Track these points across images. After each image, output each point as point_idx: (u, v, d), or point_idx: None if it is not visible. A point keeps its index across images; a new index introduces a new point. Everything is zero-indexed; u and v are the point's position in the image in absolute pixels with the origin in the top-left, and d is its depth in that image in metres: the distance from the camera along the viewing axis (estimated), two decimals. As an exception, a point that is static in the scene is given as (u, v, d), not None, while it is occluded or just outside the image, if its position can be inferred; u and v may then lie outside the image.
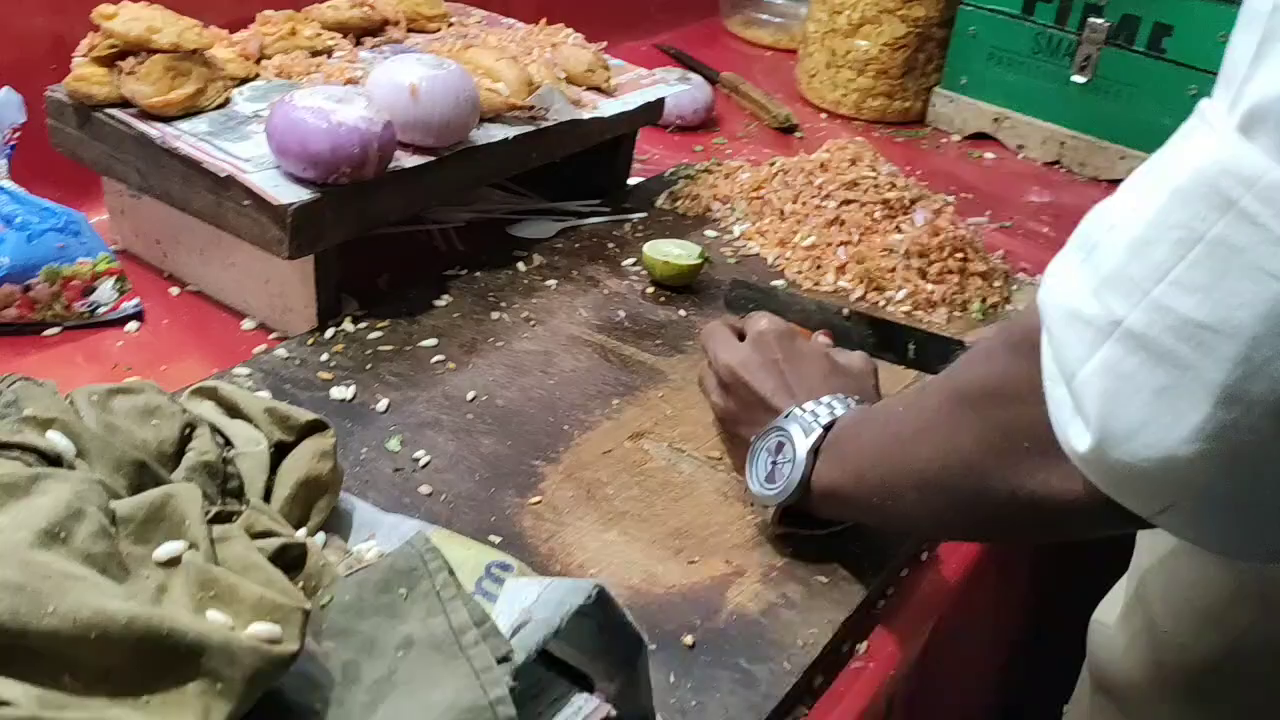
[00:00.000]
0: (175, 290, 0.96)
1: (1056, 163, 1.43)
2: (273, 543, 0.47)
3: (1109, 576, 0.75)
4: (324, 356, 0.85)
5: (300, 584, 0.48)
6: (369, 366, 0.85)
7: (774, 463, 0.70)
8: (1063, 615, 0.98)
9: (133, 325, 0.90)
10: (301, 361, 0.84)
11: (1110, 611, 0.70)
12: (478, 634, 0.47)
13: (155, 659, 0.39)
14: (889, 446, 0.61)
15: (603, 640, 0.52)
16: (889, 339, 0.91)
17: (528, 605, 0.49)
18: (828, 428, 0.68)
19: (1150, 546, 0.66)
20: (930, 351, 0.90)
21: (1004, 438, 0.51)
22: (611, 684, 0.53)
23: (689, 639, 0.65)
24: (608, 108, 1.06)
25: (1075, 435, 0.43)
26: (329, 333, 0.88)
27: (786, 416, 0.70)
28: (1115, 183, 1.40)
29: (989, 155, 1.45)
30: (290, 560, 0.48)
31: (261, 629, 0.42)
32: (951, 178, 1.35)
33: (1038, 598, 0.95)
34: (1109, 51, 1.34)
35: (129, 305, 0.91)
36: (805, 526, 0.71)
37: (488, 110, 0.96)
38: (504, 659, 0.46)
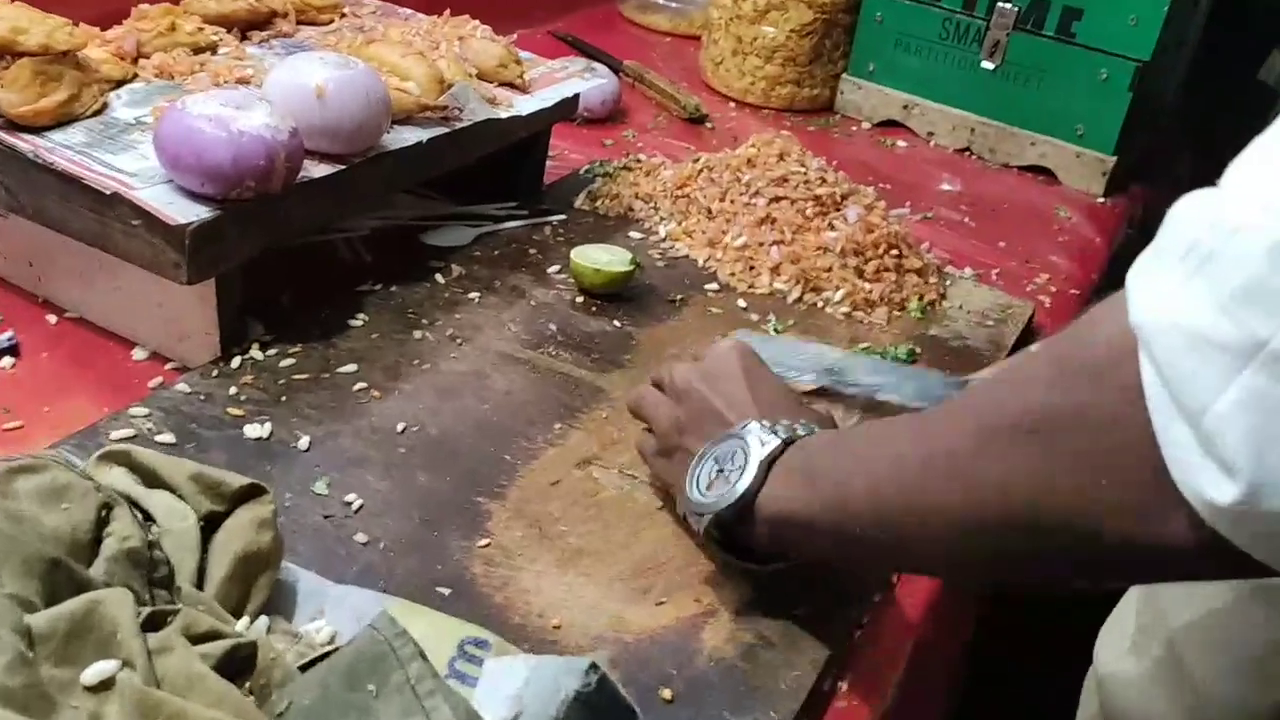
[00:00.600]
0: (53, 318, 0.86)
1: (967, 149, 1.42)
2: (218, 646, 0.40)
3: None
4: (232, 390, 0.77)
5: (249, 686, 0.42)
6: (284, 399, 0.77)
7: (720, 470, 0.63)
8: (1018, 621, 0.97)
9: (7, 360, 0.80)
10: (207, 396, 0.76)
11: (1118, 641, 0.65)
12: (467, 735, 0.41)
13: (97, 818, 0.32)
14: (889, 477, 0.54)
15: (592, 716, 0.47)
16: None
17: (516, 693, 0.44)
18: (788, 443, 0.62)
19: (1172, 587, 0.62)
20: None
21: (1078, 480, 0.43)
22: (601, 763, 0.48)
23: (667, 693, 0.60)
24: (524, 105, 1.00)
25: (1210, 484, 0.36)
26: (235, 362, 0.80)
27: (744, 426, 0.63)
28: (1026, 169, 1.42)
29: (901, 143, 1.43)
30: (239, 664, 0.41)
31: (220, 761, 0.35)
32: (866, 167, 1.32)
33: (1000, 612, 0.93)
34: (1018, 37, 1.33)
35: (2, 338, 0.81)
36: (742, 557, 0.66)
37: (398, 112, 0.88)
38: (501, 764, 0.40)
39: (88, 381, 0.80)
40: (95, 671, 0.36)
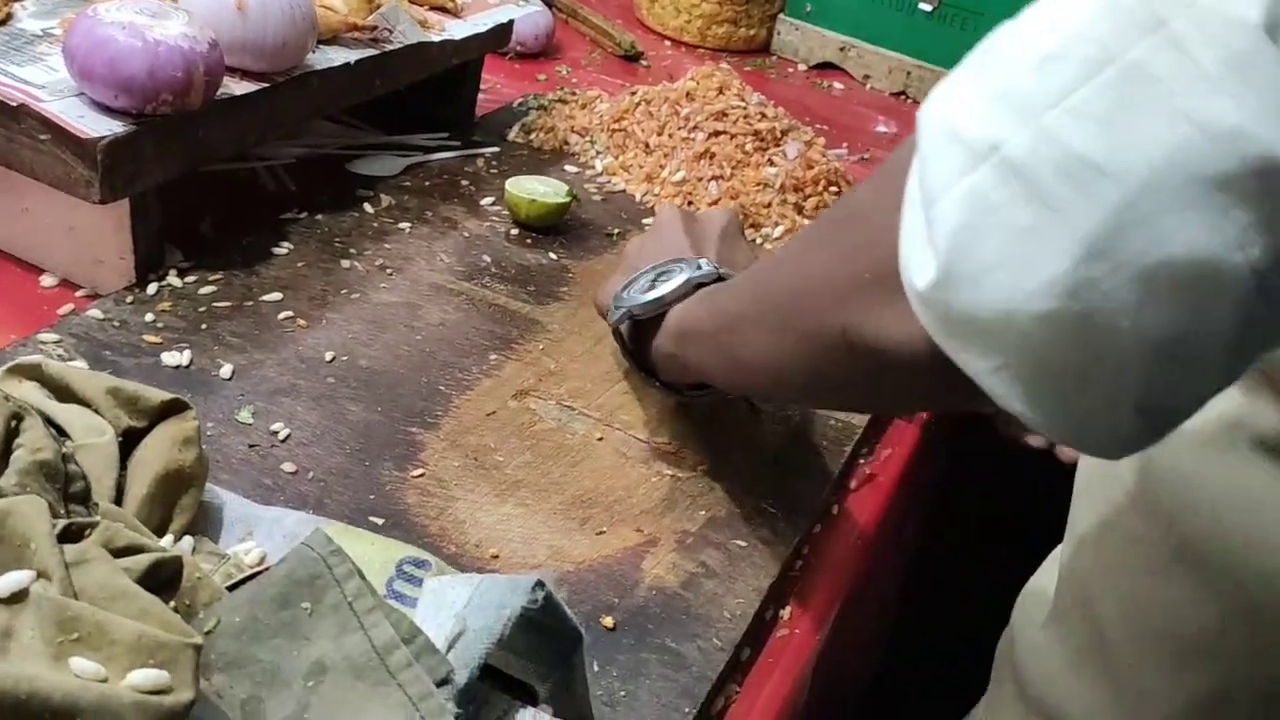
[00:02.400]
0: (-47, 243, 0.81)
1: (903, 93, 1.41)
2: (141, 560, 0.37)
3: (1023, 533, 0.71)
4: (149, 316, 0.73)
5: (174, 606, 0.39)
6: (204, 326, 0.73)
7: (653, 282, 0.67)
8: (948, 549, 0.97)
9: (-98, 286, 0.76)
10: (121, 323, 0.72)
11: (1038, 606, 0.61)
12: (408, 653, 0.39)
13: (9, 734, 0.29)
14: (749, 277, 0.57)
15: (538, 638, 0.45)
16: None
17: (458, 611, 0.42)
18: (721, 278, 0.65)
19: (1092, 547, 0.57)
20: None
21: (845, 263, 0.44)
22: (545, 684, 0.46)
23: (609, 620, 0.58)
24: (456, 30, 0.96)
25: (918, 268, 0.36)
26: (152, 288, 0.76)
27: (692, 260, 0.67)
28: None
29: (837, 85, 1.42)
30: (163, 579, 0.38)
31: (143, 676, 0.33)
32: (803, 109, 1.31)
33: (934, 546, 0.94)
34: (956, -21, 1.32)
35: (-104, 262, 0.76)
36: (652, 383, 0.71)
37: (324, 30, 0.84)
38: (444, 681, 0.38)
39: (-7, 307, 0.75)
40: (7, 583, 0.33)
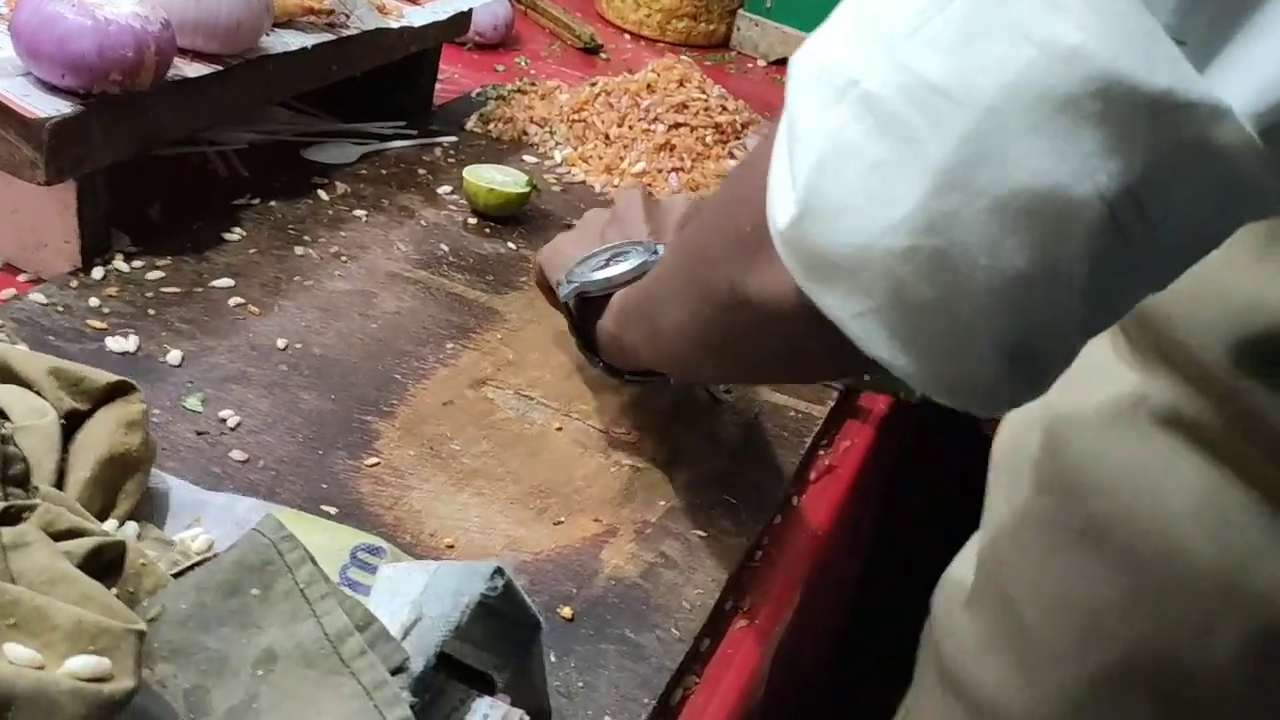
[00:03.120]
0: (-110, 225, 0.78)
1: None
2: (83, 544, 0.36)
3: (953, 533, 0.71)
4: (94, 301, 0.71)
5: (116, 593, 0.38)
6: (152, 312, 0.71)
7: (606, 262, 0.66)
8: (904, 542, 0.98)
9: None
10: (65, 308, 0.70)
11: (956, 590, 0.61)
12: (361, 641, 0.38)
13: (-61, 722, 0.28)
14: (668, 257, 0.57)
15: (495, 627, 0.44)
16: None
17: (416, 598, 0.41)
18: None
19: (1006, 527, 0.58)
20: None
21: (731, 218, 0.43)
22: (502, 674, 0.46)
23: (566, 610, 0.58)
24: (415, 16, 0.95)
25: (780, 206, 0.35)
26: (98, 273, 0.74)
27: (649, 244, 0.66)
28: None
29: (797, 82, 1.42)
30: (105, 565, 0.37)
31: (82, 663, 0.31)
32: (764, 104, 1.30)
33: (885, 528, 0.94)
34: (915, -23, 1.33)
35: None
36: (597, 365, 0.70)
37: (280, 13, 0.83)
38: (399, 669, 0.37)
39: (-71, 292, 0.73)
40: (-63, 567, 0.32)
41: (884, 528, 0.92)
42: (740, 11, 1.45)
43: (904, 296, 0.33)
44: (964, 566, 0.64)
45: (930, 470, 0.95)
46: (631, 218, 0.71)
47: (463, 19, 1.01)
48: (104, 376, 0.45)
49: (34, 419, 0.42)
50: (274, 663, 0.37)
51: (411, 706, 0.36)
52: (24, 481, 0.40)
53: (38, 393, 0.44)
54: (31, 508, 0.36)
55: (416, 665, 0.38)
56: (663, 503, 0.66)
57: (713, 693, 0.58)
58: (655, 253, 0.64)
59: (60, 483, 0.42)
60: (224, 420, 0.64)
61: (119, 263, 0.75)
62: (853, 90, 0.33)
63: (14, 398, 0.43)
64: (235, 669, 0.37)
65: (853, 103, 0.33)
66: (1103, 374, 0.52)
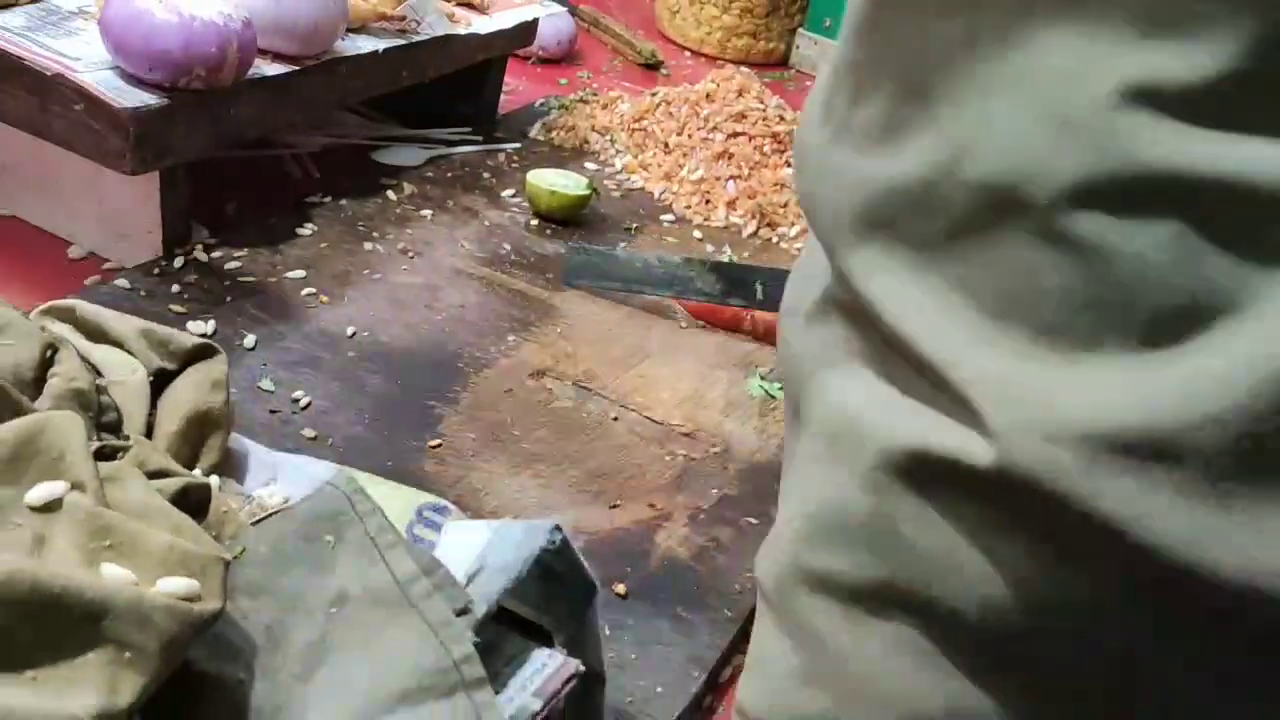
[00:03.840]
0: (-17, 215, 0.82)
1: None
2: (172, 483, 0.38)
3: None
4: (175, 288, 0.74)
5: (201, 534, 0.40)
6: (229, 299, 0.74)
7: None
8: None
9: (-66, 254, 0.77)
10: (148, 293, 0.73)
11: None
12: (429, 584, 0.39)
13: (44, 624, 0.30)
14: None
15: (553, 589, 0.46)
16: (736, 282, 0.87)
17: (479, 550, 0.42)
18: None
19: None
20: (779, 290, 0.86)
21: None
22: (559, 636, 0.47)
23: (621, 588, 0.59)
24: (482, 25, 0.98)
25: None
26: (178, 262, 0.77)
27: None
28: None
29: (854, 99, 1.43)
30: (192, 505, 0.39)
31: (174, 584, 0.33)
32: (821, 120, 1.32)
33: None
34: (974, -4, 1.34)
35: (-72, 230, 0.77)
36: None
37: (355, 19, 0.86)
38: (463, 611, 0.39)
39: (20, 276, 0.77)
40: (41, 492, 0.34)
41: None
42: (799, 30, 1.47)
43: None
44: None
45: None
46: None
47: (528, 29, 1.04)
48: (190, 339, 0.48)
49: (125, 374, 0.45)
50: (346, 603, 0.39)
51: (474, 646, 0.38)
52: (116, 429, 0.42)
53: (129, 351, 0.47)
54: (125, 448, 0.38)
55: (479, 609, 0.39)
56: (715, 490, 0.68)
57: (762, 673, 0.59)
58: None
59: (149, 435, 0.44)
60: (296, 400, 0.66)
61: (198, 253, 0.78)
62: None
63: (107, 355, 0.46)
64: (310, 607, 0.39)
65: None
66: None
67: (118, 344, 0.47)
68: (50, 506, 0.34)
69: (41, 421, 0.35)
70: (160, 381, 0.47)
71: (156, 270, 0.75)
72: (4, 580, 0.29)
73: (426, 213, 0.91)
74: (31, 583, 0.29)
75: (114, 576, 0.33)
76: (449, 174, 0.98)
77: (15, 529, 0.33)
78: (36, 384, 0.41)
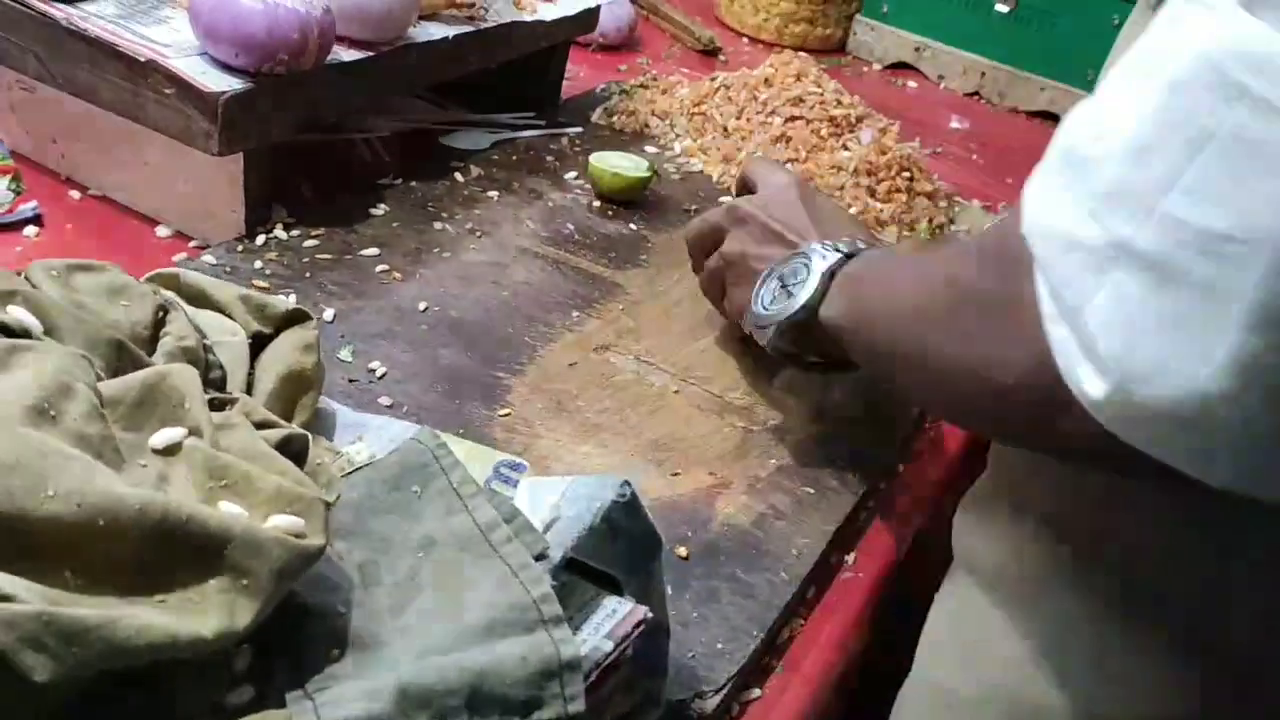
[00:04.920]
0: (76, 195, 0.86)
1: (976, 93, 1.43)
2: (275, 433, 0.41)
3: None
4: (257, 264, 0.78)
5: (299, 482, 0.43)
6: (308, 275, 0.78)
7: (785, 286, 0.66)
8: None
9: (31, 230, 0.81)
10: (233, 269, 0.77)
11: (969, 497, 0.65)
12: (509, 530, 0.42)
13: (171, 551, 0.33)
14: (894, 309, 0.56)
15: (620, 540, 0.49)
16: None
17: (554, 501, 0.45)
18: (848, 256, 0.64)
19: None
20: None
21: (998, 354, 0.44)
22: (627, 586, 0.50)
23: (683, 550, 0.62)
24: (546, 12, 1.01)
25: (1088, 380, 0.37)
26: (260, 240, 0.81)
27: (808, 246, 0.67)
28: (1035, 114, 1.43)
29: (911, 84, 1.44)
30: (293, 453, 0.42)
31: (283, 521, 0.37)
32: (878, 104, 1.33)
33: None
34: (1032, -19, 1.34)
35: (26, 208, 0.82)
36: (810, 364, 0.71)
37: (426, 7, 0.89)
38: (541, 556, 0.42)
39: (111, 253, 0.81)
40: (164, 436, 0.37)
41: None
42: (857, 16, 1.48)
43: (1244, 431, 0.35)
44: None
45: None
46: (794, 218, 0.71)
47: (590, 16, 1.07)
48: (284, 304, 0.51)
49: (227, 336, 0.48)
50: (432, 547, 0.42)
51: (551, 588, 0.41)
52: (221, 386, 0.45)
53: (229, 315, 0.50)
54: (233, 400, 0.42)
55: (556, 555, 0.42)
56: (774, 461, 0.70)
57: (817, 634, 0.62)
58: (824, 257, 0.64)
59: (249, 393, 0.48)
60: (372, 370, 0.70)
61: (278, 231, 0.82)
62: (1121, 254, 0.35)
63: (210, 319, 0.49)
64: (400, 550, 0.42)
65: (1127, 265, 0.35)
66: None
67: (219, 309, 0.50)
68: (171, 450, 0.38)
69: (163, 372, 0.39)
70: (257, 344, 0.50)
71: (240, 248, 0.79)
72: (140, 509, 0.32)
73: (493, 194, 0.94)
74: (163, 512, 0.33)
75: (230, 511, 0.36)
76: (514, 157, 1.01)
77: (142, 469, 0.36)
78: (151, 341, 0.44)
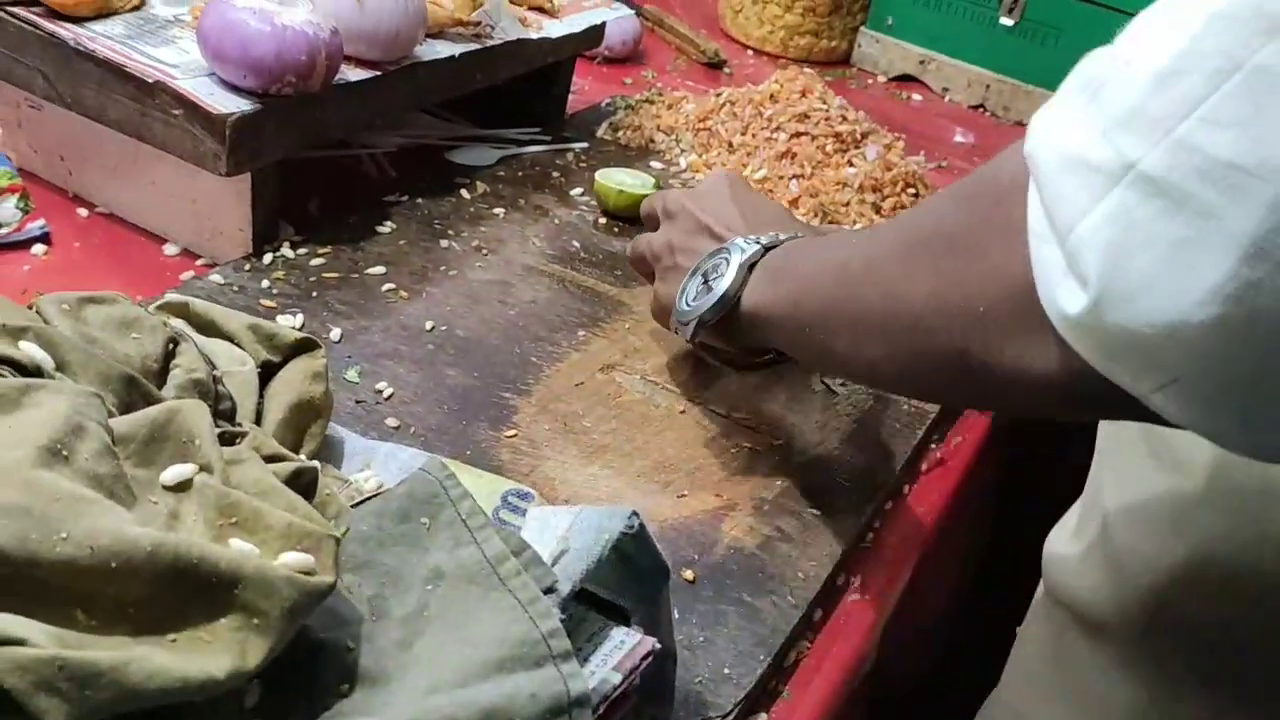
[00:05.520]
0: (84, 212, 0.87)
1: (980, 106, 1.43)
2: (285, 466, 0.42)
3: (1066, 501, 0.74)
4: (265, 283, 0.78)
5: (308, 514, 0.43)
6: (315, 294, 0.78)
7: (707, 282, 0.66)
8: (1017, 538, 0.99)
9: (39, 248, 0.82)
10: (240, 288, 0.77)
11: (1064, 530, 0.67)
12: (518, 564, 0.43)
13: (182, 591, 0.34)
14: (832, 277, 0.56)
15: (628, 573, 0.49)
16: None
17: (562, 533, 0.45)
18: (768, 248, 0.65)
19: (1105, 459, 0.63)
20: None
21: (957, 293, 0.44)
22: (635, 616, 0.50)
23: (689, 574, 0.62)
24: (552, 29, 1.01)
25: (1066, 296, 0.37)
26: (267, 259, 0.81)
27: (731, 241, 0.67)
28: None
29: (916, 97, 1.44)
30: (303, 486, 0.43)
31: (293, 558, 0.37)
32: (882, 118, 1.33)
33: (997, 522, 0.96)
34: (1037, -6, 1.35)
35: (34, 226, 0.82)
36: (730, 361, 0.71)
37: (432, 25, 0.89)
38: (550, 590, 0.42)
39: (119, 272, 0.81)
40: (174, 473, 0.38)
41: (1001, 520, 0.94)
42: (861, 29, 1.48)
43: (1212, 366, 0.35)
44: (1074, 509, 0.70)
45: (1044, 466, 0.96)
46: (724, 211, 0.71)
47: (596, 32, 1.07)
48: (292, 333, 0.52)
49: (236, 366, 0.48)
50: (441, 579, 0.42)
51: (560, 621, 0.41)
52: (231, 417, 0.46)
53: (238, 344, 0.50)
54: (244, 434, 0.42)
55: (564, 588, 0.42)
56: (780, 482, 0.70)
57: (824, 658, 0.62)
58: (742, 250, 0.64)
59: (258, 423, 0.48)
60: (379, 391, 0.70)
61: (285, 250, 0.82)
62: (1128, 174, 0.35)
63: (220, 348, 0.49)
64: (409, 583, 0.42)
65: (1132, 185, 0.35)
66: None
67: (228, 338, 0.51)
68: (182, 486, 0.38)
69: (174, 409, 0.39)
70: (266, 373, 0.50)
71: (248, 267, 0.80)
72: (151, 551, 0.33)
73: (499, 211, 0.94)
74: (174, 553, 0.33)
75: (241, 549, 0.36)
76: (520, 173, 1.01)
77: (153, 506, 0.37)
78: (161, 374, 0.44)
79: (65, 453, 0.34)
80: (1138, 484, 0.60)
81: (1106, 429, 0.65)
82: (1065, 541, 0.67)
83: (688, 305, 0.67)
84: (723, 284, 0.64)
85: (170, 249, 0.84)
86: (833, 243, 0.61)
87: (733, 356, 0.70)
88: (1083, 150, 0.36)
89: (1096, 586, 0.62)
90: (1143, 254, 0.35)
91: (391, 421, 0.68)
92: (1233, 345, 0.34)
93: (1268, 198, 0.32)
